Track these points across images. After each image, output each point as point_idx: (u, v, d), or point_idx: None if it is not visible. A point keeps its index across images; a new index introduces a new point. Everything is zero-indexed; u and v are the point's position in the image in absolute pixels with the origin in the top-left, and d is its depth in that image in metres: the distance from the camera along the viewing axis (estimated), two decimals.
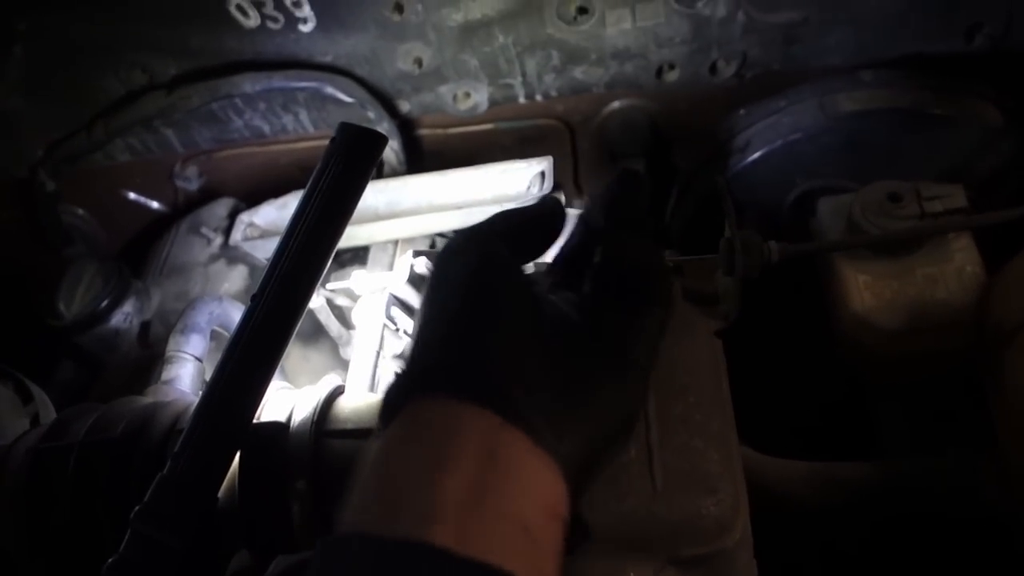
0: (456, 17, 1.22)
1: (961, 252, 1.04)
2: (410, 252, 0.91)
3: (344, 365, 1.23)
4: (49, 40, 1.30)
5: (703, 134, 1.40)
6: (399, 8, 1.20)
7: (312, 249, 0.77)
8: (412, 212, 1.20)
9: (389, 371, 0.93)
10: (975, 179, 1.17)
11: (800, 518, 0.98)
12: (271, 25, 1.23)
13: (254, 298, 0.76)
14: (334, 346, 1.22)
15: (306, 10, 1.21)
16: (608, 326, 0.57)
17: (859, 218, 1.07)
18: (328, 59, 1.28)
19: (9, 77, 1.33)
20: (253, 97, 1.33)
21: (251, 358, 0.75)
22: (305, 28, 1.23)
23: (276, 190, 1.44)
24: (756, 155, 1.24)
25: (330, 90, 1.27)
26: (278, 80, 1.26)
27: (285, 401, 0.82)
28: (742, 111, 1.35)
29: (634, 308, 0.58)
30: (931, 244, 1.06)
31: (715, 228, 1.38)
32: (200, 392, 0.99)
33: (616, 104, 1.43)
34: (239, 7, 1.22)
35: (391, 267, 1.25)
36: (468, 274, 0.55)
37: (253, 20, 1.23)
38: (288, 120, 1.40)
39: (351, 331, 1.20)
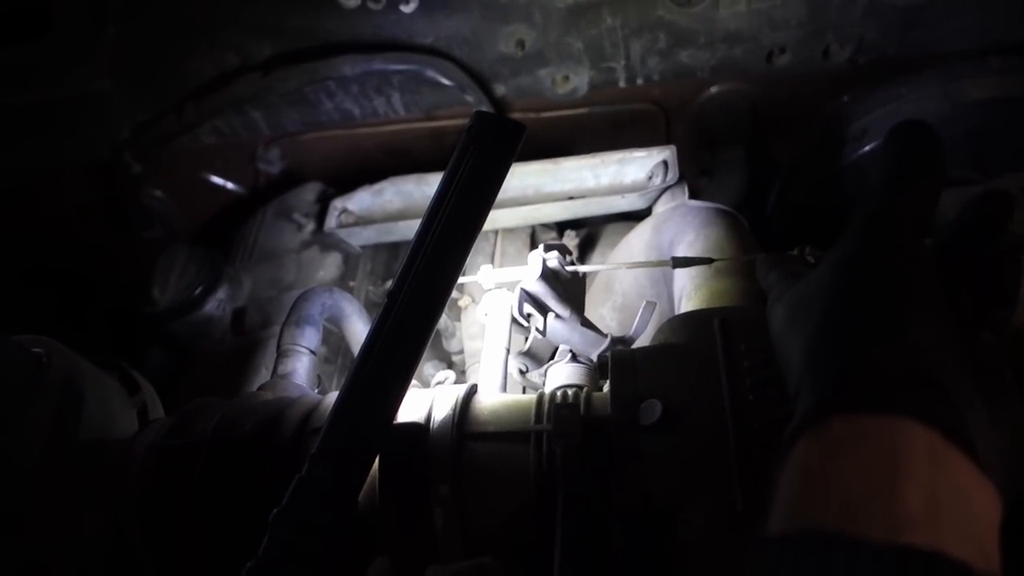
0: None
1: None
2: (541, 247, 0.87)
3: (445, 356, 1.20)
4: (142, 20, 1.27)
5: (807, 121, 1.35)
6: None
7: (451, 245, 0.74)
8: (517, 202, 1.16)
9: (514, 368, 0.90)
10: None
11: None
12: (372, 5, 1.19)
13: (391, 295, 0.73)
14: (436, 337, 1.19)
15: None
16: (988, 345, 0.55)
17: None
18: (428, 41, 1.24)
19: (99, 58, 1.31)
20: (348, 79, 1.29)
21: (391, 357, 0.72)
22: (407, 8, 1.19)
23: (359, 174, 1.41)
24: (874, 144, 1.19)
25: (430, 73, 1.23)
26: (378, 63, 1.22)
27: (417, 400, 0.79)
28: (846, 98, 1.30)
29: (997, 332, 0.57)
30: None
31: (823, 219, 1.34)
32: (315, 386, 0.97)
33: (714, 89, 1.38)
34: None
35: (492, 257, 1.22)
36: (888, 273, 0.53)
37: (353, 0, 1.19)
38: (380, 103, 1.37)
39: (456, 323, 1.17)
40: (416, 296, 0.73)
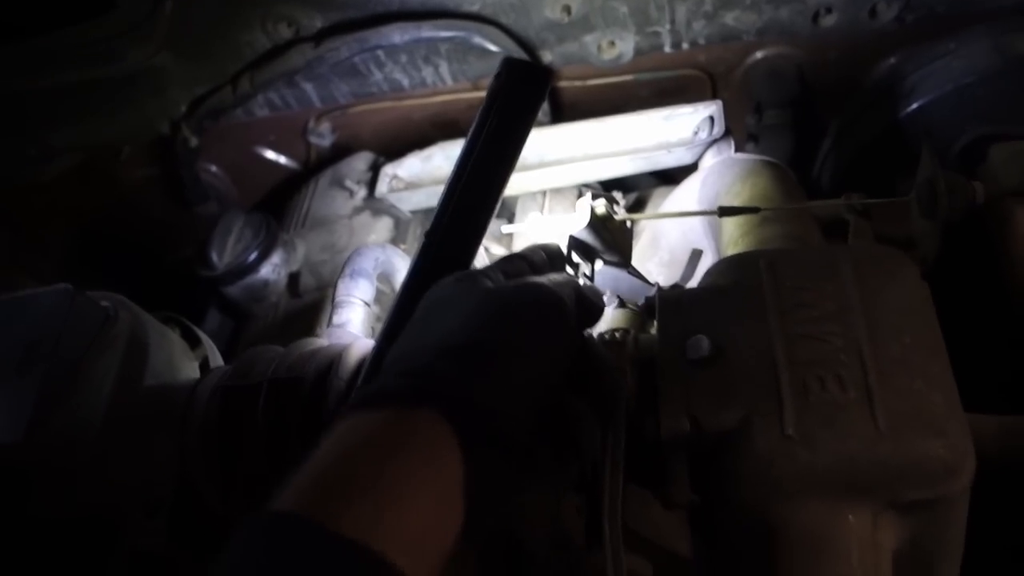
0: None
1: None
2: (589, 195, 0.88)
3: None
4: None
5: (854, 82, 1.34)
6: None
7: (483, 187, 0.75)
8: (564, 161, 1.18)
9: None
10: None
11: (989, 476, 0.93)
12: None
13: (428, 235, 0.75)
14: None
15: None
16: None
17: None
18: (475, 8, 1.26)
19: (158, 33, 1.35)
20: (397, 49, 1.32)
21: None
22: None
23: (409, 146, 1.44)
24: (923, 100, 1.18)
25: (478, 39, 1.25)
26: (427, 30, 1.25)
27: None
28: (893, 59, 1.29)
29: None
30: None
31: (873, 176, 1.33)
32: (369, 337, 1.00)
33: (761, 53, 1.38)
34: None
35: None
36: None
37: None
38: (428, 72, 1.39)
39: None
40: (450, 237, 0.74)
